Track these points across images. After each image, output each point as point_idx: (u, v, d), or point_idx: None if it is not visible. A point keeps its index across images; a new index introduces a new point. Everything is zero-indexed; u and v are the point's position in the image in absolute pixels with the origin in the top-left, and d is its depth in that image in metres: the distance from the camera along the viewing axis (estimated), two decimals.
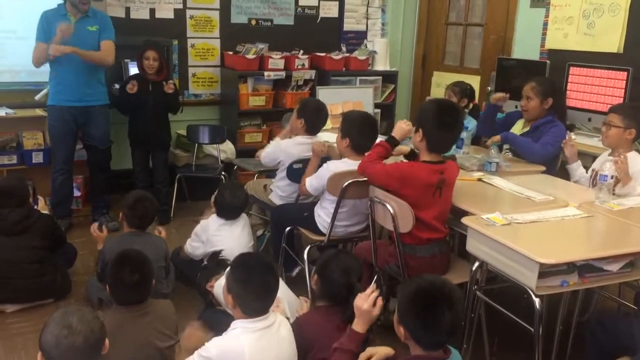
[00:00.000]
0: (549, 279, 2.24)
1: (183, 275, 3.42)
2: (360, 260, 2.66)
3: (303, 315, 2.48)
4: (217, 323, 2.38)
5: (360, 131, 3.11)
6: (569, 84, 4.35)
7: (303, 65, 5.31)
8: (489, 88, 5.09)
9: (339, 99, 4.60)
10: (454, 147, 3.30)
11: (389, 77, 5.74)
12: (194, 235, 3.43)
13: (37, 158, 4.36)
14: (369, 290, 2.11)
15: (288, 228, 3.38)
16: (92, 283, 3.26)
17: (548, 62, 4.55)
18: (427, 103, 2.85)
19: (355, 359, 2.05)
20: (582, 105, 4.26)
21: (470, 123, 4.04)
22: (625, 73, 4.00)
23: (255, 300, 2.09)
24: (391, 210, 2.67)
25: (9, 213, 3.14)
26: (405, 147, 3.11)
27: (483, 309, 2.64)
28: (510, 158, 3.54)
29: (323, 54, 5.47)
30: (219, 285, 2.73)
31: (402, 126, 2.92)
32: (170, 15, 5.10)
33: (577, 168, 3.35)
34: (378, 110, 5.34)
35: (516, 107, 4.11)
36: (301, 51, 5.36)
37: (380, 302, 2.08)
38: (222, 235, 3.31)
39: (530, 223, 2.46)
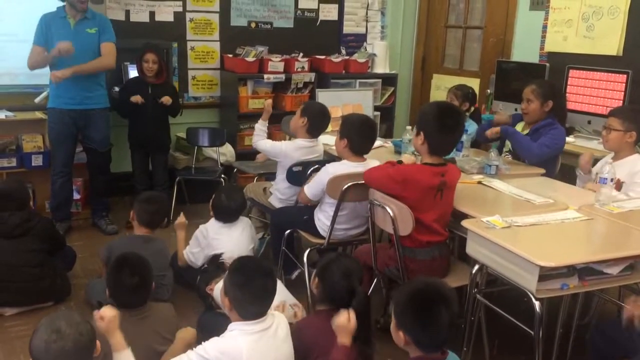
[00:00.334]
0: (549, 282, 2.24)
1: (183, 279, 3.42)
2: (360, 263, 2.66)
3: (303, 319, 2.48)
4: (216, 326, 2.38)
5: (358, 132, 3.11)
6: (568, 86, 4.35)
7: (303, 68, 5.31)
8: (489, 91, 5.10)
9: (338, 102, 4.60)
10: (454, 150, 3.30)
11: (389, 80, 5.74)
12: (194, 240, 3.43)
13: (37, 161, 4.35)
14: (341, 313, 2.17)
15: (288, 231, 3.37)
16: (92, 286, 3.26)
17: (547, 64, 4.56)
18: (427, 106, 2.86)
19: None
20: (582, 108, 4.26)
21: (471, 126, 4.04)
22: (625, 76, 4.01)
23: (252, 304, 2.09)
24: (391, 213, 2.66)
25: (9, 216, 3.13)
26: (410, 157, 3.12)
27: (483, 312, 2.63)
28: (510, 161, 3.55)
29: (323, 57, 5.47)
30: (218, 288, 2.73)
31: (409, 159, 2.99)
32: (170, 18, 5.10)
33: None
34: (378, 113, 5.34)
35: (515, 109, 4.12)
36: (301, 54, 5.36)
37: (353, 317, 2.15)
38: (221, 239, 3.31)
39: (530, 226, 2.45)
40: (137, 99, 4.30)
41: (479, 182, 3.12)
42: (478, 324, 2.65)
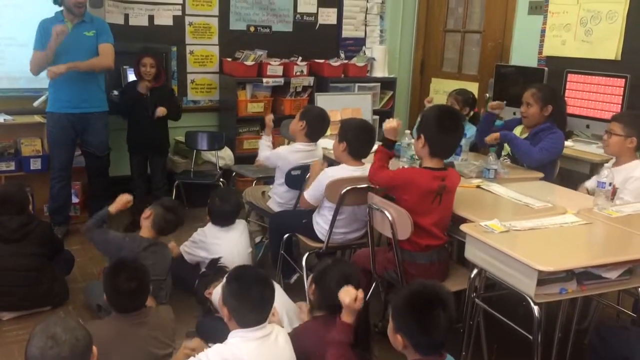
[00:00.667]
0: (547, 286, 2.23)
1: (181, 283, 3.40)
2: (358, 267, 2.66)
3: (300, 326, 2.47)
4: (216, 330, 2.38)
5: (357, 136, 3.11)
6: (566, 90, 4.35)
7: (302, 71, 5.32)
8: (487, 95, 5.10)
9: (337, 106, 4.60)
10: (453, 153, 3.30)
11: (388, 84, 5.75)
12: (190, 241, 3.43)
13: (36, 164, 4.35)
14: (351, 288, 2.19)
15: (286, 235, 3.37)
16: (91, 289, 3.25)
17: (546, 69, 4.56)
18: (428, 109, 2.86)
19: (347, 348, 2.14)
20: (580, 112, 4.26)
21: (470, 130, 4.04)
22: (623, 80, 4.01)
23: (250, 312, 2.10)
24: (389, 217, 2.66)
25: (8, 220, 3.13)
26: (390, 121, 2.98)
27: (482, 316, 2.63)
28: (508, 165, 3.54)
29: (322, 61, 5.48)
30: (217, 292, 2.72)
31: (389, 126, 2.88)
32: (169, 22, 5.11)
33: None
34: (377, 117, 5.32)
35: (514, 113, 4.11)
36: (300, 58, 5.37)
37: (361, 296, 2.18)
38: (219, 243, 3.31)
39: (528, 230, 2.45)
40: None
41: (478, 186, 3.12)
42: (477, 328, 2.64)
